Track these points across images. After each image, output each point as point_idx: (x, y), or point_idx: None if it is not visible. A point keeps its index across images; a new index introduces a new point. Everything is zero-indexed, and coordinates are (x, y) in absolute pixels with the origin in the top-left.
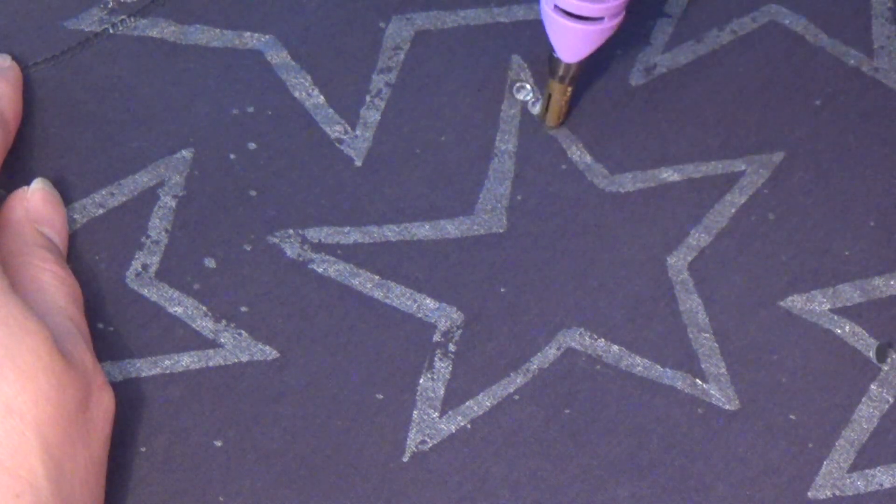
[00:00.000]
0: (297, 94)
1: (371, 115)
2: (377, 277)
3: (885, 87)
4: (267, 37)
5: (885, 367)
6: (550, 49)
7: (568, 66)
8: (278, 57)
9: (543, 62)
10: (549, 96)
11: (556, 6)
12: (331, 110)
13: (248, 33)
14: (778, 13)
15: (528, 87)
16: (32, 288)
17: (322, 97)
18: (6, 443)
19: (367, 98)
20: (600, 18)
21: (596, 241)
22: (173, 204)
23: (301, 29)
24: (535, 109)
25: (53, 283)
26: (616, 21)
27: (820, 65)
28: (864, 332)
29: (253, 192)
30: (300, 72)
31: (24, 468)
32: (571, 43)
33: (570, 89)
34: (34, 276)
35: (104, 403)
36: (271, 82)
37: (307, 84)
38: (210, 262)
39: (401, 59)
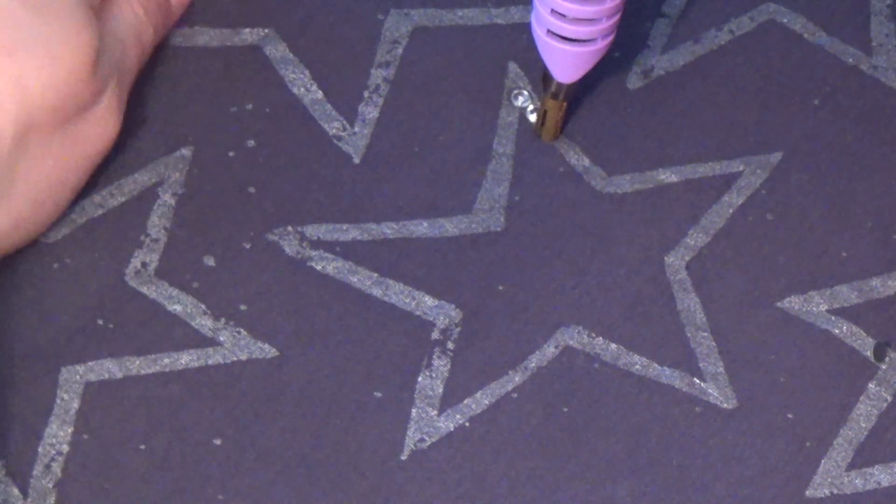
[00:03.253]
0: (295, 91)
1: (369, 112)
2: (376, 275)
3: (884, 85)
4: (266, 31)
5: (884, 366)
6: (544, 67)
7: (561, 83)
8: (277, 51)
9: (540, 68)
10: (545, 112)
11: (548, 30)
12: (329, 106)
13: (247, 29)
14: (776, 12)
15: (525, 93)
16: (108, 12)
17: (321, 92)
18: None
19: (366, 94)
20: (593, 40)
21: (594, 240)
22: (172, 202)
23: (300, 21)
24: (533, 118)
25: (127, 19)
26: (608, 41)
27: (818, 63)
28: (861, 332)
29: (252, 190)
30: (299, 65)
31: None
32: (565, 64)
33: (565, 104)
34: (119, 5)
35: (107, 129)
36: (270, 78)
37: (306, 79)
38: (209, 261)
39: (399, 54)
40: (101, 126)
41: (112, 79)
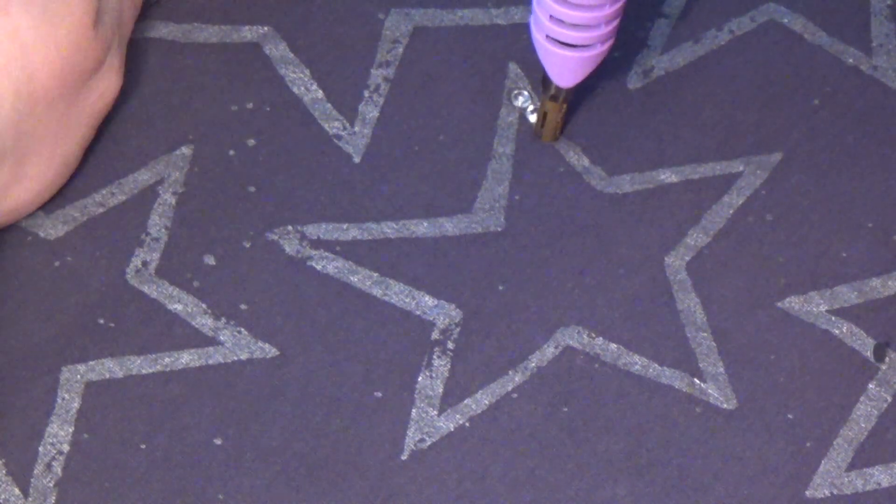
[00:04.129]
0: (295, 90)
1: (369, 111)
2: (376, 274)
3: (884, 85)
4: (265, 28)
5: (884, 367)
6: (543, 70)
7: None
8: (277, 50)
9: (540, 69)
10: (545, 114)
11: (547, 35)
12: (329, 105)
13: (247, 27)
14: (776, 12)
15: (525, 93)
16: None
17: (321, 91)
18: None
19: (366, 93)
20: (591, 45)
21: (594, 240)
22: (173, 201)
23: (300, 19)
24: (533, 118)
25: None
26: (607, 46)
27: (818, 64)
28: (861, 332)
29: (252, 189)
30: (299, 65)
31: None
32: (564, 69)
33: (564, 106)
34: None
35: (110, 86)
36: (270, 77)
37: (306, 78)
38: (209, 259)
39: (399, 54)
40: (106, 83)
41: (115, 37)
